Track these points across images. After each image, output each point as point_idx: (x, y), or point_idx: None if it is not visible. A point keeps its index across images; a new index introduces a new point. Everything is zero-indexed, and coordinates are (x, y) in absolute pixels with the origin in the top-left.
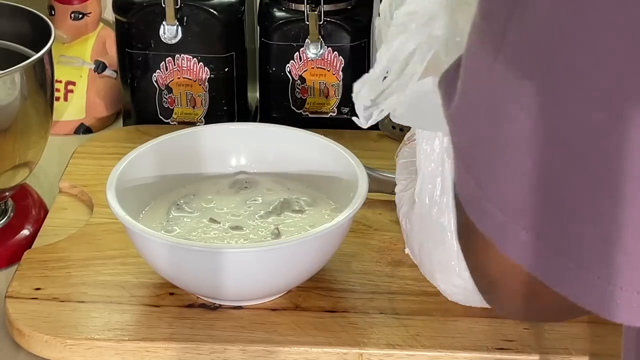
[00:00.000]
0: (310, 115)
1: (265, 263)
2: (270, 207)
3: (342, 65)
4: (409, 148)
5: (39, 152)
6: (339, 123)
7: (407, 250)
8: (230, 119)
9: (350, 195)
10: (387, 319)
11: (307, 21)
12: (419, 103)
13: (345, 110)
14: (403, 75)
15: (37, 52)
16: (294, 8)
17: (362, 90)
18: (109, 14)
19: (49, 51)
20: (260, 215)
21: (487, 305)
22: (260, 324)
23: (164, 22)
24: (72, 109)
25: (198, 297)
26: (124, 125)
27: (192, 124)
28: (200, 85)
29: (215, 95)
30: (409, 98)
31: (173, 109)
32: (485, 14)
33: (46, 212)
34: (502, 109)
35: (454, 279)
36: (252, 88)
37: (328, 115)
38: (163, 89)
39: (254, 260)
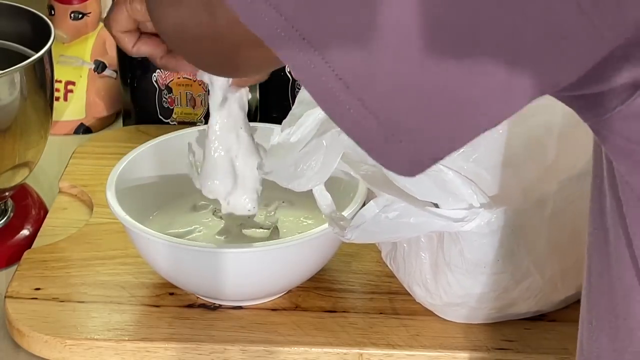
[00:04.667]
0: None
1: (265, 263)
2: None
3: None
4: None
5: (38, 152)
6: None
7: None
8: None
9: (350, 195)
10: (387, 319)
11: None
12: (370, 227)
13: None
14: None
15: (37, 52)
16: None
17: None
18: None
19: (49, 51)
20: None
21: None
22: (260, 324)
23: None
24: (71, 109)
25: (198, 297)
26: (124, 125)
27: (192, 124)
28: (200, 85)
29: None
30: (360, 226)
31: (173, 109)
32: None
33: (46, 212)
34: None
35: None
36: (252, 88)
37: None
38: (163, 89)
39: (254, 260)
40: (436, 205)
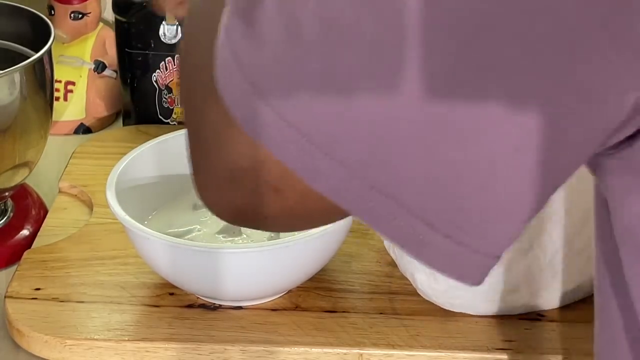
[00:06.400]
0: None
1: (265, 263)
2: None
3: None
4: None
5: (38, 152)
6: None
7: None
8: None
9: None
10: (387, 319)
11: None
12: None
13: None
14: None
15: (36, 52)
16: None
17: None
18: (109, 14)
19: (49, 51)
20: None
21: (462, 310)
22: (260, 324)
23: (164, 22)
24: (71, 108)
25: (198, 297)
26: (124, 125)
27: None
28: None
29: None
30: None
31: (173, 108)
32: None
33: (46, 212)
34: None
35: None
36: None
37: None
38: (163, 88)
39: (254, 260)
40: None
